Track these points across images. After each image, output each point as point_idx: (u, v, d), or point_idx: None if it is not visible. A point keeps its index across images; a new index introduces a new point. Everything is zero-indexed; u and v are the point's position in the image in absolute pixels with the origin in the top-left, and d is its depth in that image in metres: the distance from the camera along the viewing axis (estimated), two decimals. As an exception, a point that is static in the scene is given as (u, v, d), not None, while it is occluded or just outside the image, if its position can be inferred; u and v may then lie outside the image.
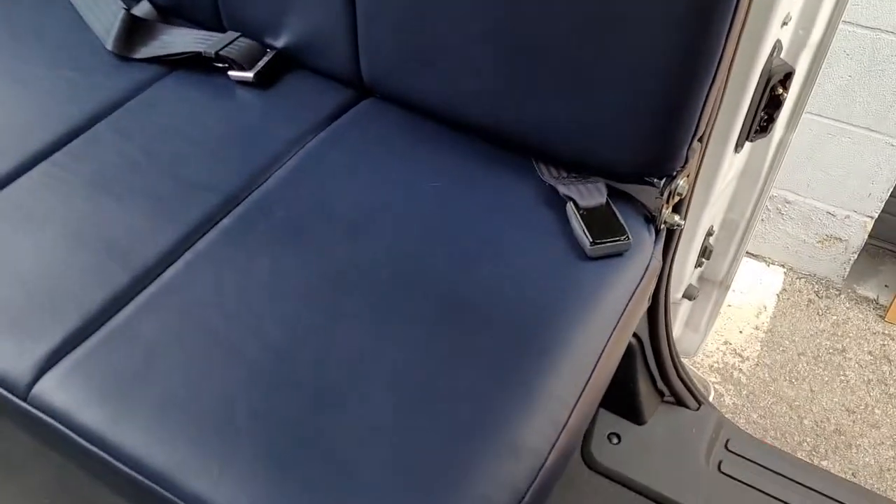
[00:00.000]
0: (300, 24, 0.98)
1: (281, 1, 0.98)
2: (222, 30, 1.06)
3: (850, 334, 1.86)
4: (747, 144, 1.09)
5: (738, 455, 1.14)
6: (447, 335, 0.75)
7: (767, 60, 0.96)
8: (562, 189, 0.86)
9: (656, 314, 1.05)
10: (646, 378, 1.14)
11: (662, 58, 0.75)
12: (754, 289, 1.94)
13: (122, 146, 0.92)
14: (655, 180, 0.86)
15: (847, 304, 1.93)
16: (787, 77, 0.99)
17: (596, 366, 0.76)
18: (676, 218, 0.89)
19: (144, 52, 1.03)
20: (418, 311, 0.77)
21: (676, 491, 1.10)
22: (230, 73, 1.00)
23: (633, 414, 1.18)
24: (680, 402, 1.20)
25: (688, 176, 0.86)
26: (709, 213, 1.14)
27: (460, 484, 0.66)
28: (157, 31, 1.04)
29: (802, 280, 1.98)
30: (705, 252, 1.22)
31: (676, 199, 0.87)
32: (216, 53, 0.99)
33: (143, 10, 1.07)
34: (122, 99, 0.98)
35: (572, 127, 0.85)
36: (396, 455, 0.67)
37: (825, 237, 1.91)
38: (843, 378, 1.78)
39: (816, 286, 1.97)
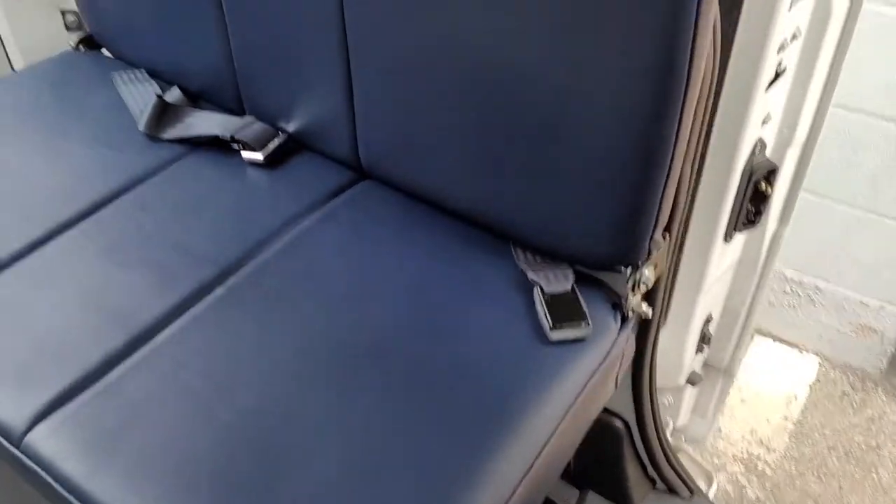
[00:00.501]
0: (308, 111, 1.07)
1: (292, 90, 1.07)
2: (242, 113, 1.16)
3: (886, 430, 1.81)
4: (741, 234, 1.12)
5: (729, 546, 1.13)
6: (407, 408, 0.80)
7: (749, 158, 0.99)
8: (530, 274, 0.90)
9: (641, 400, 1.07)
10: (635, 464, 1.15)
11: (614, 154, 0.80)
12: (785, 377, 1.91)
13: (139, 219, 1.01)
14: (622, 268, 0.90)
15: (884, 399, 1.87)
16: (771, 173, 1.02)
17: (545, 446, 0.79)
18: (644, 306, 0.92)
19: (171, 133, 1.13)
20: (382, 384, 0.82)
21: (661, 579, 1.10)
22: (243, 153, 1.09)
23: (623, 499, 1.18)
24: (671, 490, 1.20)
25: (655, 266, 0.90)
26: (704, 301, 1.16)
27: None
28: (184, 114, 1.15)
29: (837, 371, 1.94)
30: (705, 338, 1.23)
31: (643, 288, 0.90)
32: (232, 136, 1.09)
33: (173, 95, 1.18)
34: (147, 175, 1.08)
35: (541, 216, 0.90)
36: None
37: (860, 327, 1.87)
38: (875, 477, 1.72)
39: (852, 378, 1.92)
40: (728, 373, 1.34)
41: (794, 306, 1.90)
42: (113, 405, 0.82)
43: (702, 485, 1.30)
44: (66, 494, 0.77)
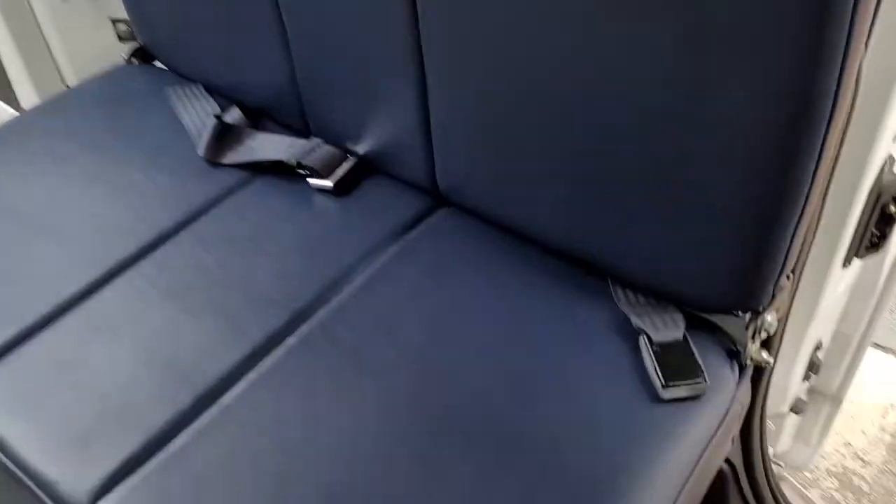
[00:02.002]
0: (379, 132, 0.98)
1: (361, 109, 0.98)
2: (307, 133, 1.07)
3: None
4: (858, 259, 1.00)
5: None
6: (506, 484, 0.71)
7: (878, 176, 0.88)
8: (634, 319, 0.80)
9: (750, 444, 0.97)
10: None
11: (741, 190, 0.69)
12: (882, 385, 1.77)
13: (201, 256, 0.94)
14: (740, 313, 0.80)
15: None
16: (902, 193, 0.90)
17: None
18: (764, 355, 0.81)
19: (232, 157, 1.05)
20: (476, 455, 0.73)
21: None
22: (310, 180, 1.01)
23: None
24: (780, 534, 1.10)
25: (777, 310, 0.79)
26: (815, 328, 1.05)
27: None
28: (245, 136, 1.07)
29: (937, 376, 1.79)
30: (813, 366, 1.12)
31: (763, 335, 0.79)
32: (298, 162, 1.00)
33: (233, 116, 1.10)
34: (208, 205, 1.01)
35: (651, 254, 0.80)
36: None
37: (965, 328, 1.73)
38: None
39: (952, 383, 1.78)
40: (836, 399, 1.22)
41: (891, 310, 1.76)
42: (178, 478, 0.74)
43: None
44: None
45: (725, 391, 0.78)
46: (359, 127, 1.00)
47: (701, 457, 0.74)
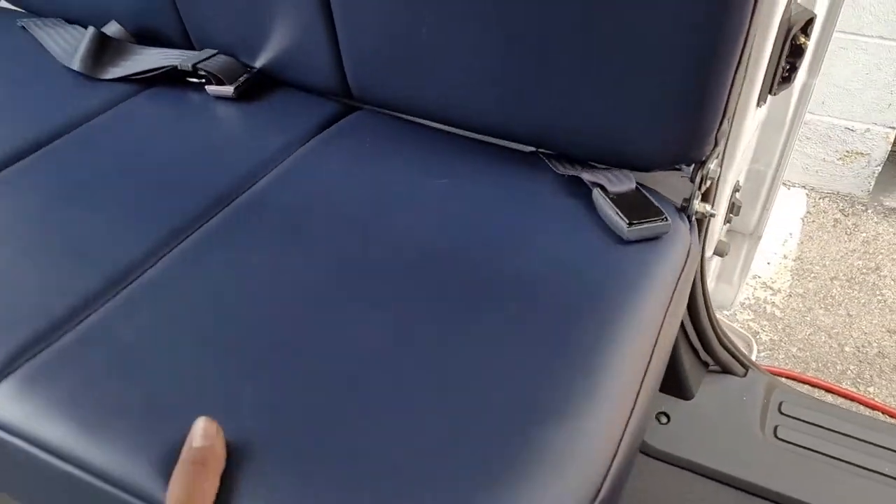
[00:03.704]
0: (276, 41, 0.91)
1: (251, 20, 0.90)
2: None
3: (882, 250, 1.77)
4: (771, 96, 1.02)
5: (795, 418, 1.05)
6: (486, 318, 0.64)
7: (786, 9, 0.90)
8: (586, 176, 0.78)
9: (694, 291, 0.98)
10: (689, 351, 1.05)
11: (685, 42, 0.68)
12: (777, 215, 1.85)
13: (91, 159, 0.81)
14: (684, 167, 0.80)
15: (875, 219, 1.85)
16: (808, 23, 0.93)
17: (654, 349, 0.66)
18: (708, 207, 0.82)
19: (115, 72, 0.94)
20: (447, 296, 0.66)
21: (734, 465, 1.00)
22: (208, 87, 0.92)
23: (680, 389, 1.08)
24: (726, 370, 1.10)
25: (717, 157, 0.80)
26: (734, 170, 1.06)
27: (530, 474, 0.54)
28: (129, 50, 0.96)
29: (826, 199, 1.90)
30: (733, 208, 1.13)
31: (708, 183, 0.80)
32: (193, 66, 0.91)
33: (112, 29, 0.99)
34: (91, 114, 0.88)
35: (590, 123, 0.78)
36: (449, 445, 0.55)
37: (846, 153, 1.84)
38: (880, 298, 1.68)
39: (841, 204, 1.89)
40: (754, 236, 1.24)
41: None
42: (99, 351, 0.61)
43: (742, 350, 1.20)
44: (52, 462, 0.56)
45: (683, 236, 0.77)
46: (252, 39, 0.92)
47: (673, 294, 0.72)
